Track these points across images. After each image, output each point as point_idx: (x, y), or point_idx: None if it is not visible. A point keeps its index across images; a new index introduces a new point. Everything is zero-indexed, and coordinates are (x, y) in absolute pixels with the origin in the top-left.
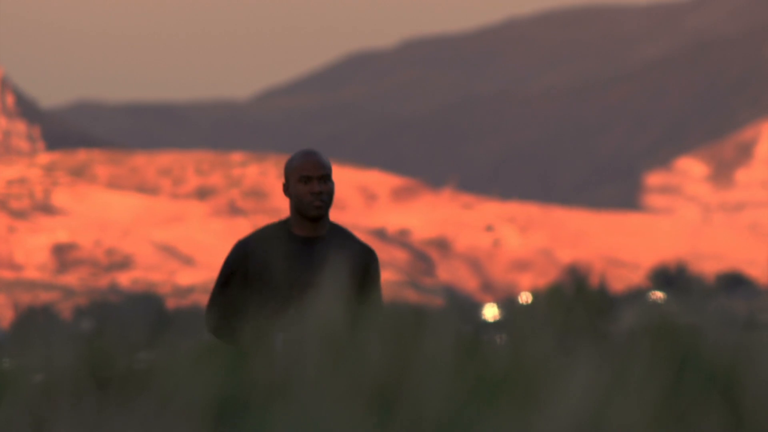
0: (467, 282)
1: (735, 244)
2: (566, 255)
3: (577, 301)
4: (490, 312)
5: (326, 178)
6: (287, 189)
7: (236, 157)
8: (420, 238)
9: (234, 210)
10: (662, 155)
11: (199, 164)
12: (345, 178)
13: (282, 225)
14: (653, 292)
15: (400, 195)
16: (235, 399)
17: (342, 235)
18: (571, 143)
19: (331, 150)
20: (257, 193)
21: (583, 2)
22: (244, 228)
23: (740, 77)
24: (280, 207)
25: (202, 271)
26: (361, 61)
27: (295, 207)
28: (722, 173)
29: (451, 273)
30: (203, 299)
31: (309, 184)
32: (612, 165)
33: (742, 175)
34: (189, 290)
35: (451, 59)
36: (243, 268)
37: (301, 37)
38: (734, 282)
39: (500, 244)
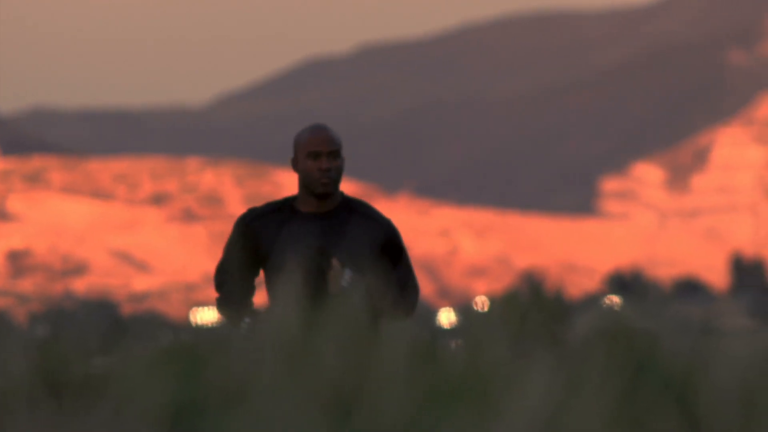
0: (423, 287)
1: (691, 250)
2: (523, 260)
3: (534, 306)
4: (446, 318)
5: (336, 154)
6: (295, 164)
7: (192, 163)
8: None
9: (189, 216)
10: (619, 161)
11: (155, 170)
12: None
13: (286, 201)
14: (609, 297)
15: None
16: (192, 404)
17: (352, 209)
18: (529, 149)
19: (287, 156)
20: (213, 199)
21: (542, 8)
22: (199, 234)
23: (698, 84)
24: (236, 213)
25: (157, 277)
26: (318, 67)
27: (303, 183)
28: (678, 179)
29: None
30: (159, 305)
31: (317, 160)
32: (569, 171)
33: (698, 181)
34: (144, 296)
35: (409, 65)
36: (243, 244)
37: (258, 42)
38: (690, 287)
39: (457, 249)
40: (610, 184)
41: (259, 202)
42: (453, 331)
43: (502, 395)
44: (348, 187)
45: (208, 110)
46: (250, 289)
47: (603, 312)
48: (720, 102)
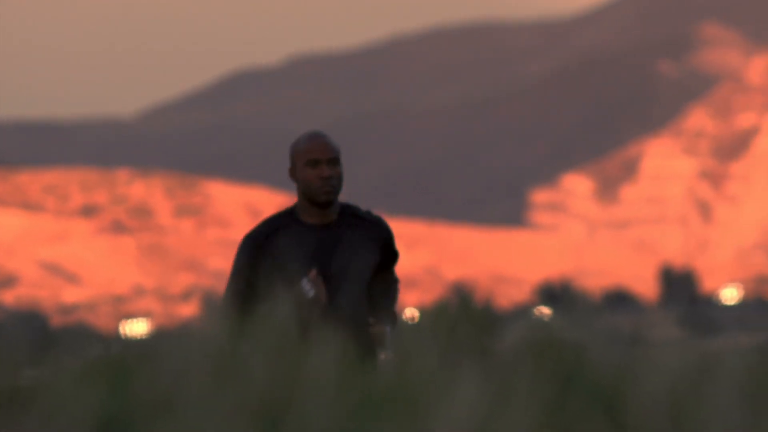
0: None
1: (620, 261)
2: (452, 272)
3: (463, 318)
4: None
5: (335, 161)
6: (293, 173)
7: (121, 174)
8: None
9: (119, 228)
10: (548, 172)
11: (84, 182)
12: (231, 196)
13: (288, 214)
14: (539, 308)
15: None
16: (120, 416)
17: (353, 215)
18: (459, 160)
19: (217, 168)
20: (142, 211)
21: (470, 20)
22: (129, 246)
23: (627, 94)
24: (166, 225)
25: (87, 289)
26: (248, 79)
27: (303, 192)
28: (608, 190)
29: None
30: (89, 317)
31: (317, 168)
32: (499, 182)
33: (627, 191)
34: (74, 308)
35: (338, 76)
36: (252, 264)
37: (187, 54)
38: (619, 298)
39: None
40: (539, 196)
41: (189, 214)
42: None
43: (432, 406)
44: (277, 199)
45: (138, 122)
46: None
47: (532, 323)
48: (649, 113)
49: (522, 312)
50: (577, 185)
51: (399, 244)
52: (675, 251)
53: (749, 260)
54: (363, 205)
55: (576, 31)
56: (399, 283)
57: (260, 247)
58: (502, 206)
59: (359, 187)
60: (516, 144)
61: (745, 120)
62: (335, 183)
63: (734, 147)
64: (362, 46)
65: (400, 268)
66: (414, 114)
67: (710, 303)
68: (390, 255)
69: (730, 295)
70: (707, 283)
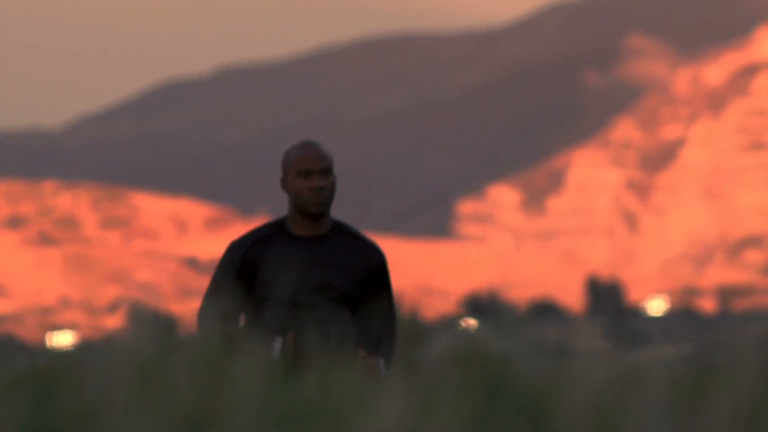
0: None
1: (547, 272)
2: None
3: None
4: None
5: (327, 172)
6: (285, 184)
7: (48, 186)
8: None
9: (45, 239)
10: (475, 183)
11: (11, 193)
12: (158, 207)
13: (278, 224)
14: (465, 320)
15: (212, 224)
16: (47, 427)
17: (345, 233)
18: (386, 171)
19: (144, 179)
20: (69, 222)
21: (398, 30)
22: (55, 257)
23: (554, 105)
24: (92, 236)
25: (13, 301)
26: (175, 90)
27: (294, 203)
28: (535, 201)
29: None
30: (15, 328)
31: (309, 178)
32: (426, 193)
33: (554, 203)
34: (1, 319)
35: (266, 87)
36: (236, 272)
37: (114, 65)
38: (546, 309)
39: None
40: (466, 207)
41: (115, 226)
42: None
43: (357, 417)
44: (204, 210)
45: (65, 132)
46: (235, 321)
47: (459, 334)
48: (576, 124)
49: (449, 323)
50: (504, 196)
51: None
52: (601, 262)
53: (675, 271)
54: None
55: (503, 42)
56: (396, 317)
57: (244, 255)
58: (429, 217)
59: (285, 199)
60: (443, 155)
61: (671, 131)
62: (327, 194)
63: (661, 158)
64: (290, 57)
65: None
66: (341, 125)
67: (636, 314)
68: (380, 284)
69: (656, 306)
70: (633, 295)
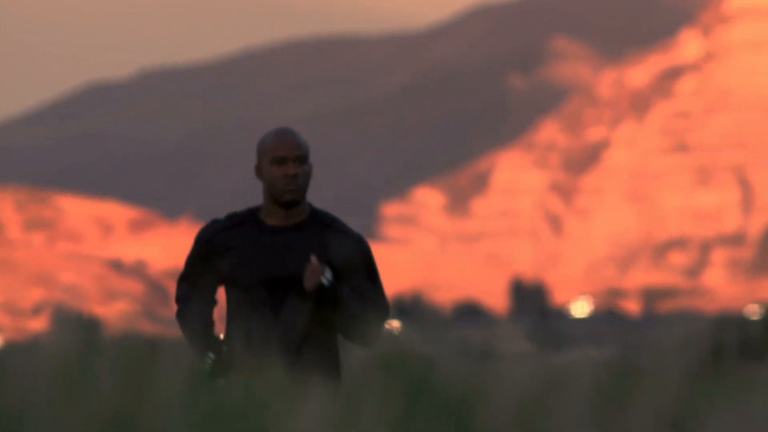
0: None
1: (471, 274)
2: None
3: None
4: None
5: (302, 159)
6: (259, 172)
7: None
8: (156, 269)
9: None
10: (400, 186)
11: None
12: (82, 210)
13: (251, 212)
14: (389, 322)
15: (136, 226)
16: None
17: (322, 223)
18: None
19: (68, 181)
20: None
21: (323, 33)
22: None
23: (478, 108)
24: (16, 239)
25: None
26: (99, 92)
27: (268, 191)
28: (459, 203)
29: None
30: None
31: (283, 165)
32: (350, 195)
33: (478, 205)
34: None
35: (190, 89)
36: (203, 259)
37: (37, 67)
38: (470, 311)
39: None
40: (390, 209)
41: (39, 228)
42: None
43: (280, 420)
44: (128, 213)
45: None
46: (211, 304)
47: (383, 336)
48: (500, 126)
49: None
50: (429, 198)
51: None
52: (526, 264)
53: (599, 273)
54: (211, 216)
55: (427, 45)
56: (387, 310)
57: (209, 243)
58: (354, 219)
59: (211, 200)
60: (367, 157)
61: (595, 133)
62: (301, 182)
63: (585, 160)
64: (215, 59)
65: None
66: (266, 127)
67: (561, 316)
68: (359, 274)
69: (580, 308)
70: (558, 297)
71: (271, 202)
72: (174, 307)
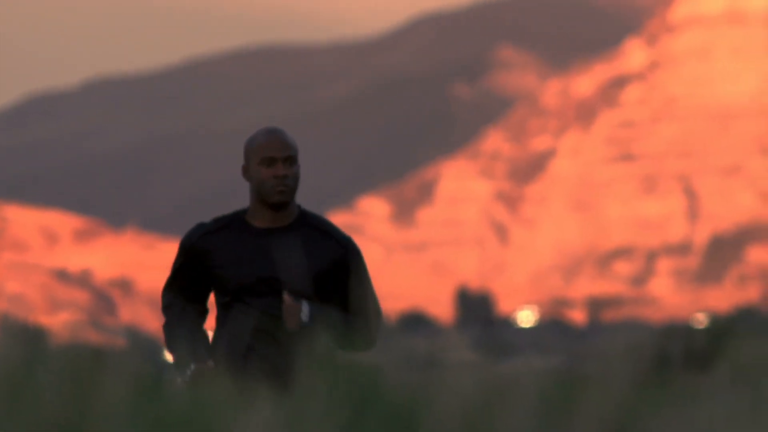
0: (150, 322)
1: (417, 283)
2: None
3: None
4: None
5: (292, 160)
6: (246, 173)
7: None
8: (102, 279)
9: None
10: (346, 195)
11: None
12: (26, 219)
13: (237, 215)
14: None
15: (81, 236)
16: None
17: (310, 224)
18: None
19: (13, 191)
20: None
21: (269, 42)
22: None
23: (424, 117)
24: None
25: None
26: (45, 101)
27: (256, 192)
28: (405, 213)
29: (134, 313)
30: None
31: (272, 166)
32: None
33: (423, 214)
34: None
35: (136, 98)
36: (188, 262)
37: None
38: (415, 321)
39: None
40: (336, 218)
41: None
42: None
43: (227, 428)
44: (73, 222)
45: None
46: (201, 312)
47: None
48: (446, 135)
49: None
50: (374, 208)
51: None
52: (471, 274)
53: (545, 282)
54: (160, 228)
55: (373, 54)
56: (380, 315)
57: (193, 246)
58: None
59: (156, 210)
60: (313, 166)
61: (540, 142)
62: (291, 183)
63: (530, 169)
64: (160, 68)
65: None
66: (212, 136)
67: (506, 325)
68: (347, 278)
69: (525, 317)
70: (503, 306)
71: (260, 204)
72: (161, 318)
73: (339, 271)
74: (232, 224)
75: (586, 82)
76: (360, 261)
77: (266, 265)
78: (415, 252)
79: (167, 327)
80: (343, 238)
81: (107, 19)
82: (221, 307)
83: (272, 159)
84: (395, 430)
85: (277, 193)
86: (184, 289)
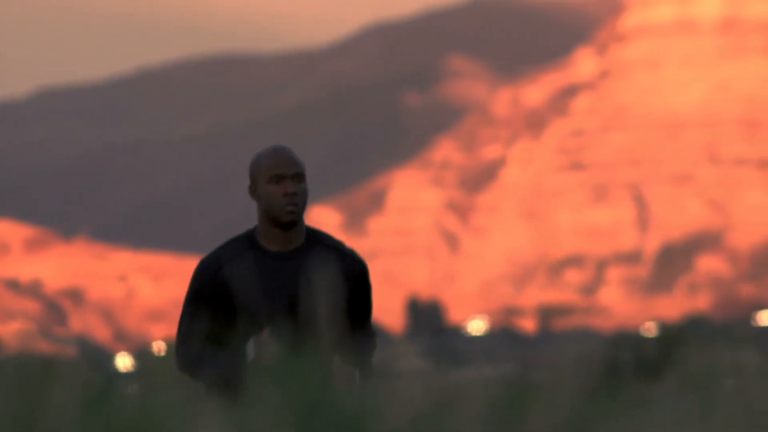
0: (100, 332)
1: None
2: None
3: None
4: (123, 362)
5: (300, 177)
6: (254, 192)
7: None
8: (53, 288)
9: None
10: None
11: None
12: None
13: (247, 239)
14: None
15: (32, 245)
16: None
17: (322, 245)
18: (206, 193)
19: None
20: None
21: (219, 52)
22: None
23: (374, 126)
24: None
25: None
26: None
27: (265, 212)
28: (355, 222)
29: (84, 323)
30: None
31: (281, 184)
32: (246, 214)
33: (374, 223)
34: None
35: (86, 109)
36: (206, 298)
37: None
38: None
39: (134, 293)
40: None
41: None
42: (130, 376)
43: None
44: (24, 232)
45: None
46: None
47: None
48: (396, 145)
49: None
50: (325, 217)
51: (147, 277)
52: (422, 283)
53: (495, 291)
54: (111, 237)
55: (324, 63)
56: (375, 337)
57: (212, 279)
58: None
59: (106, 219)
60: None
61: (491, 152)
62: (300, 201)
63: (481, 178)
64: (110, 79)
65: (148, 300)
66: (161, 146)
67: (456, 334)
68: (359, 294)
69: (476, 326)
70: (454, 315)
71: (269, 225)
72: (182, 374)
73: (350, 288)
74: (244, 249)
75: (536, 92)
76: (369, 283)
77: (289, 291)
78: (366, 261)
79: (193, 371)
80: (353, 255)
81: (56, 29)
82: (241, 339)
83: (280, 176)
84: None
85: (287, 213)
86: (203, 334)
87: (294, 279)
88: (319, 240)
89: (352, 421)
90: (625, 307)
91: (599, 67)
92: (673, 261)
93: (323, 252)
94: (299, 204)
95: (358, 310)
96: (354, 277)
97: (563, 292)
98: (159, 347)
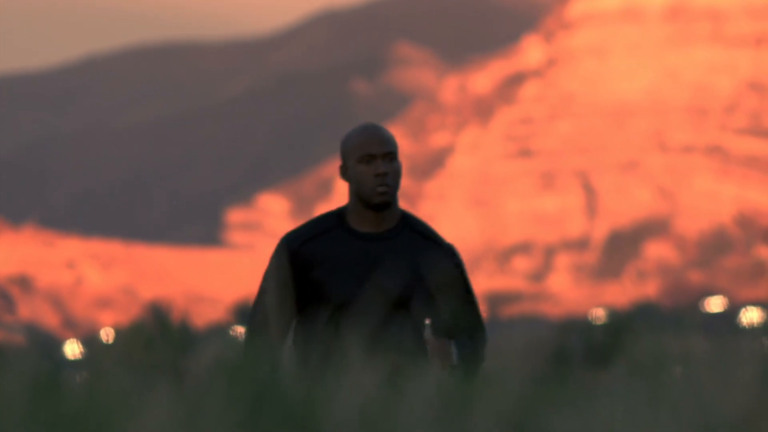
0: (49, 319)
1: None
2: (149, 292)
3: (160, 337)
4: (71, 349)
5: (392, 156)
6: (345, 172)
7: None
8: (0, 276)
9: None
10: (244, 192)
11: None
12: None
13: (337, 218)
14: (234, 327)
15: None
16: None
17: (414, 230)
18: (154, 180)
19: None
20: None
21: (165, 40)
22: None
23: (321, 113)
24: None
25: None
26: None
27: (356, 193)
28: (303, 209)
29: (33, 310)
30: None
31: (372, 163)
32: (195, 202)
33: (322, 210)
34: None
35: (31, 97)
36: (286, 273)
37: None
38: None
39: (82, 281)
40: (235, 215)
41: None
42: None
43: (124, 426)
44: None
45: None
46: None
47: (228, 342)
48: (344, 132)
49: (217, 331)
50: (273, 204)
51: (95, 265)
52: None
53: None
54: (59, 224)
55: (270, 51)
56: (484, 332)
57: (295, 254)
58: (198, 226)
59: (55, 207)
60: (211, 163)
61: (439, 139)
62: (392, 181)
63: (428, 166)
64: (56, 66)
65: (96, 287)
66: (108, 134)
67: None
68: (452, 289)
69: None
70: None
71: (361, 206)
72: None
73: (448, 285)
74: (332, 228)
75: (483, 79)
76: (465, 271)
77: (372, 274)
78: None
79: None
80: (445, 246)
81: (2, 16)
82: (313, 323)
83: (371, 156)
84: (293, 427)
85: (379, 193)
86: (269, 309)
87: (379, 261)
88: (412, 225)
89: (300, 409)
90: (574, 293)
91: (546, 54)
92: (621, 248)
93: (413, 237)
94: (391, 184)
95: (454, 304)
96: (439, 269)
97: (512, 279)
98: (107, 334)
